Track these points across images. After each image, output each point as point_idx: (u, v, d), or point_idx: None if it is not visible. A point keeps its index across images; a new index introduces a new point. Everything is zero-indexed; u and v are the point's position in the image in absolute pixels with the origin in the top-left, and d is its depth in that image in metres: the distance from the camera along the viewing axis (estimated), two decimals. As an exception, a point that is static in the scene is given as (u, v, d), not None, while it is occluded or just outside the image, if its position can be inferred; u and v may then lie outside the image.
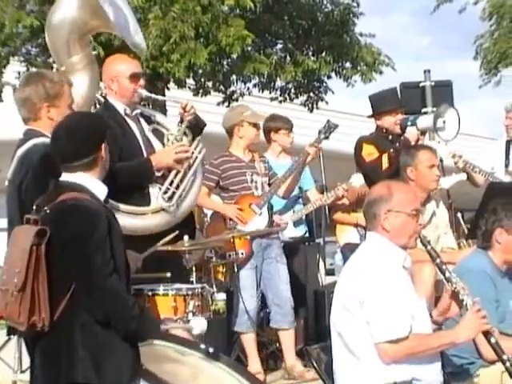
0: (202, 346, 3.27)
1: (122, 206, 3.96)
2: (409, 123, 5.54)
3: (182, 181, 4.20)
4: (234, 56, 7.87)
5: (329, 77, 8.94)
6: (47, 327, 2.81)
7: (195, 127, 4.43)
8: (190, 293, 3.73)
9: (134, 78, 4.33)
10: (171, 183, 4.16)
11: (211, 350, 3.25)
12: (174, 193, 4.15)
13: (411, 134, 5.51)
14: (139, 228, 4.02)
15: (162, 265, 3.96)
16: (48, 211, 2.90)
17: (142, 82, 4.36)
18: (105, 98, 4.42)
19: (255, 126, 5.60)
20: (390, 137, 5.49)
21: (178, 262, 4.31)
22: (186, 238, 4.00)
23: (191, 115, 4.36)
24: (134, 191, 4.11)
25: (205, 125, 4.57)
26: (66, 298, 2.83)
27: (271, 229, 5.46)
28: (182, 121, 4.42)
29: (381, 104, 5.63)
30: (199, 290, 3.78)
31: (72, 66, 4.31)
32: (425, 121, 5.60)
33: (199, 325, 3.34)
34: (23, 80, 3.82)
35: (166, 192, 4.12)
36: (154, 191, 4.16)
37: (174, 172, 4.20)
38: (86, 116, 3.34)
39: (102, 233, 2.84)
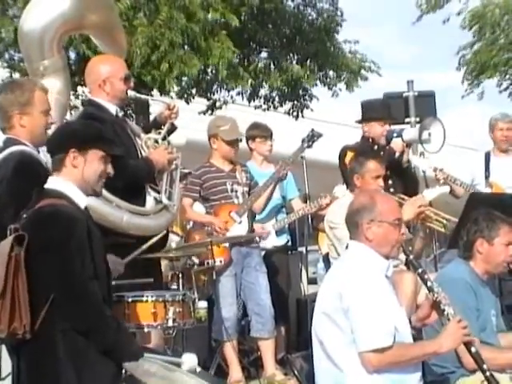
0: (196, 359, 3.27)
1: (130, 206, 4.01)
2: (394, 135, 5.58)
3: (174, 182, 4.28)
4: (221, 75, 7.87)
5: (314, 84, 8.98)
6: (28, 334, 2.81)
7: (171, 131, 4.46)
8: (170, 299, 3.73)
9: (127, 79, 4.30)
10: (166, 184, 4.23)
11: (198, 369, 3.25)
12: (171, 193, 4.22)
13: (396, 144, 5.54)
14: (151, 228, 4.09)
15: (138, 272, 3.96)
16: (26, 218, 2.90)
17: (132, 83, 4.35)
18: (90, 99, 4.36)
19: (230, 143, 5.48)
20: (376, 147, 5.51)
21: (156, 269, 4.32)
22: (172, 244, 4.02)
23: (176, 116, 4.38)
24: (133, 192, 4.12)
25: (176, 128, 4.58)
26: (47, 304, 2.83)
27: (251, 235, 5.44)
28: (158, 123, 4.44)
29: (371, 110, 5.67)
30: (180, 297, 3.78)
31: (45, 69, 4.31)
32: (410, 133, 5.64)
33: (189, 360, 3.33)
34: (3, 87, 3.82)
35: (165, 192, 4.19)
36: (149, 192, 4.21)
37: (167, 173, 4.25)
38: (73, 122, 3.36)
39: (79, 238, 2.85)
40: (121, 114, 4.34)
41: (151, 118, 8.03)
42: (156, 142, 4.36)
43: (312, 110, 9.29)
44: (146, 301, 3.69)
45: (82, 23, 4.54)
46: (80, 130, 3.11)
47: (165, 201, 4.17)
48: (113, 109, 4.25)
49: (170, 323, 3.69)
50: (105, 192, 3.88)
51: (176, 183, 4.33)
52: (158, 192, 4.21)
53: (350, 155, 5.45)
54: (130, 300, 3.67)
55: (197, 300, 4.04)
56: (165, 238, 4.36)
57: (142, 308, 3.66)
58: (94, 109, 4.23)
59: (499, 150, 6.28)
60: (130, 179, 4.06)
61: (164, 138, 4.39)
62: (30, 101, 3.52)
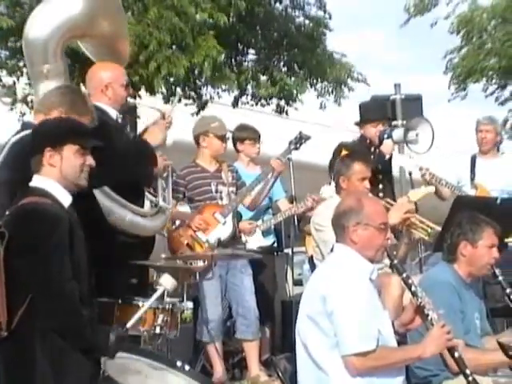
0: (179, 364, 3.28)
1: (132, 206, 4.10)
2: (385, 136, 5.60)
3: (167, 187, 4.41)
4: (205, 74, 7.86)
5: (304, 91, 8.98)
6: (5, 332, 2.80)
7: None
8: (160, 307, 3.75)
9: (127, 86, 4.42)
10: (161, 188, 4.35)
11: (187, 367, 3.25)
12: (165, 196, 4.34)
13: (386, 146, 5.56)
14: (148, 229, 4.21)
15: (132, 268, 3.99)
16: (8, 215, 2.90)
17: (131, 90, 4.44)
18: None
19: (221, 138, 5.57)
20: (373, 148, 5.54)
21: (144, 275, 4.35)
22: (163, 255, 4.07)
23: (170, 125, 4.46)
24: (134, 194, 4.21)
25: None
26: (25, 303, 2.82)
27: (249, 254, 5.39)
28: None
29: (366, 113, 5.70)
30: (170, 306, 3.80)
31: (48, 72, 4.35)
32: (399, 133, 5.66)
33: (168, 282, 3.36)
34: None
35: (161, 196, 4.31)
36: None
37: (161, 178, 4.36)
38: (46, 121, 3.34)
39: (60, 237, 2.84)
40: (120, 119, 4.42)
41: (138, 119, 8.02)
42: None
43: (296, 108, 9.27)
44: (137, 305, 3.72)
45: (91, 30, 4.59)
46: (52, 129, 3.10)
47: (161, 203, 4.28)
48: (113, 113, 4.33)
49: (158, 331, 3.73)
50: (110, 191, 4.01)
51: (169, 188, 4.44)
52: (154, 196, 4.32)
53: (344, 153, 5.44)
54: (120, 302, 3.69)
55: (185, 310, 4.10)
56: (153, 240, 4.44)
57: (131, 312, 3.67)
58: (98, 113, 4.28)
59: (481, 152, 6.34)
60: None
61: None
62: (78, 111, 3.55)
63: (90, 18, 4.47)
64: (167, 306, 3.79)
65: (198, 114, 9.06)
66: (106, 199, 3.99)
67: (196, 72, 8.45)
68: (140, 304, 3.70)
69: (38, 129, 3.16)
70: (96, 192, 3.87)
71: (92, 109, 3.74)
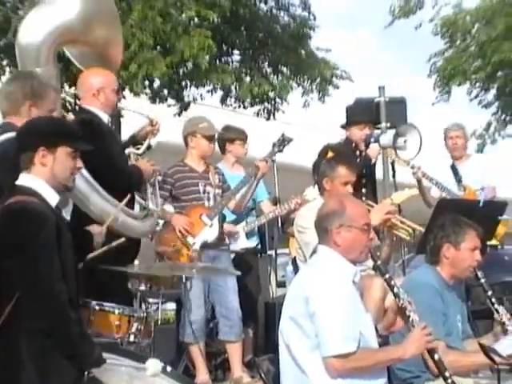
0: (161, 364, 3.28)
1: (124, 208, 4.15)
2: (372, 139, 5.63)
3: (155, 191, 4.53)
4: (202, 67, 7.83)
5: (288, 92, 8.99)
6: None
7: (147, 148, 4.67)
8: (135, 315, 3.78)
9: (118, 91, 4.53)
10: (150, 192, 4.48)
11: (169, 368, 3.25)
12: (153, 199, 4.45)
13: (373, 150, 5.58)
14: (138, 230, 4.29)
15: (103, 288, 3.97)
16: None
17: (120, 96, 4.48)
18: (83, 107, 4.44)
19: (209, 138, 5.60)
20: (358, 152, 5.55)
21: (123, 285, 4.39)
22: (136, 262, 4.09)
23: (157, 132, 4.49)
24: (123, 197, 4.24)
25: (151, 147, 4.75)
26: (12, 303, 2.80)
27: (228, 271, 5.37)
28: (136, 140, 4.67)
29: (351, 115, 5.72)
30: (144, 315, 3.83)
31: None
32: (387, 138, 5.69)
33: (154, 365, 3.33)
34: (13, 75, 3.89)
35: (150, 199, 4.43)
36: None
37: (149, 182, 4.47)
38: (41, 118, 3.34)
39: (48, 236, 2.83)
40: (110, 122, 4.49)
41: (121, 118, 8.00)
42: (139, 155, 4.57)
43: (284, 111, 9.28)
44: (113, 312, 3.72)
45: (85, 36, 4.61)
46: (49, 128, 3.10)
47: (151, 206, 4.36)
48: (105, 117, 4.41)
49: (132, 339, 3.74)
50: (104, 192, 4.09)
51: (156, 192, 4.54)
52: (143, 199, 4.41)
53: (330, 155, 5.44)
54: (97, 308, 3.67)
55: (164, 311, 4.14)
56: (138, 245, 4.47)
57: (107, 318, 3.68)
58: (91, 116, 4.35)
59: (453, 158, 6.42)
60: (126, 183, 4.26)
61: (141, 154, 4.58)
62: (44, 95, 3.61)
63: (84, 24, 4.51)
64: (142, 315, 3.81)
65: (179, 115, 9.05)
66: (99, 198, 4.05)
67: (181, 72, 8.44)
68: (116, 311, 3.71)
69: (31, 126, 3.15)
70: (89, 191, 3.93)
71: (49, 82, 3.77)
